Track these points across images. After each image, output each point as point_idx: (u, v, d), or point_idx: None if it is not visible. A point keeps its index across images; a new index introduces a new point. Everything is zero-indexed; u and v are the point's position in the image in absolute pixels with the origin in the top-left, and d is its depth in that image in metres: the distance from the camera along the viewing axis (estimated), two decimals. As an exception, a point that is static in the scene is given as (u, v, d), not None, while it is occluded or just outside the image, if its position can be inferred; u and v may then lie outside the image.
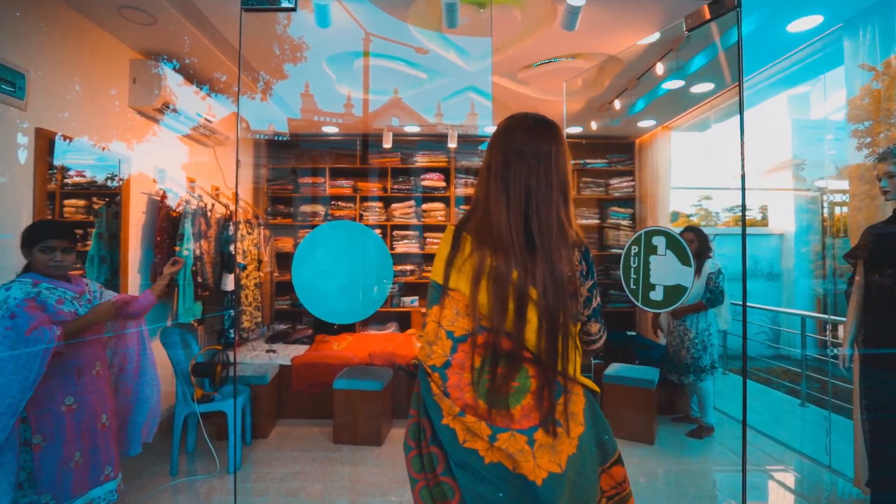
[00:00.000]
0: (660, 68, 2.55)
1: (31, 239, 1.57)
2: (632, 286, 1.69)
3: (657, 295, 1.56)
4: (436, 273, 0.93)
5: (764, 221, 6.46)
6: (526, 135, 0.93)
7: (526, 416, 0.84)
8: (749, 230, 6.36)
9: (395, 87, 3.41)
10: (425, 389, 0.88)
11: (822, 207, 5.51)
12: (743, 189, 1.23)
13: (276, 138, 4.33)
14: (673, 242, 1.51)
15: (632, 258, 1.69)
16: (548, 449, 0.82)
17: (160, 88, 2.53)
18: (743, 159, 1.21)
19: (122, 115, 2.57)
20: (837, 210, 5.45)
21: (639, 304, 1.65)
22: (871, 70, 2.26)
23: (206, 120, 3.00)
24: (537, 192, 0.90)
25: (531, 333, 0.85)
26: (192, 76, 2.83)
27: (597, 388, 0.96)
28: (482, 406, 0.83)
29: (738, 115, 3.86)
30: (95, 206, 2.66)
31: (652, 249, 1.60)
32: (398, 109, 3.85)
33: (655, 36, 2.37)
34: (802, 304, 5.79)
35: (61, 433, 1.53)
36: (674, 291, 1.51)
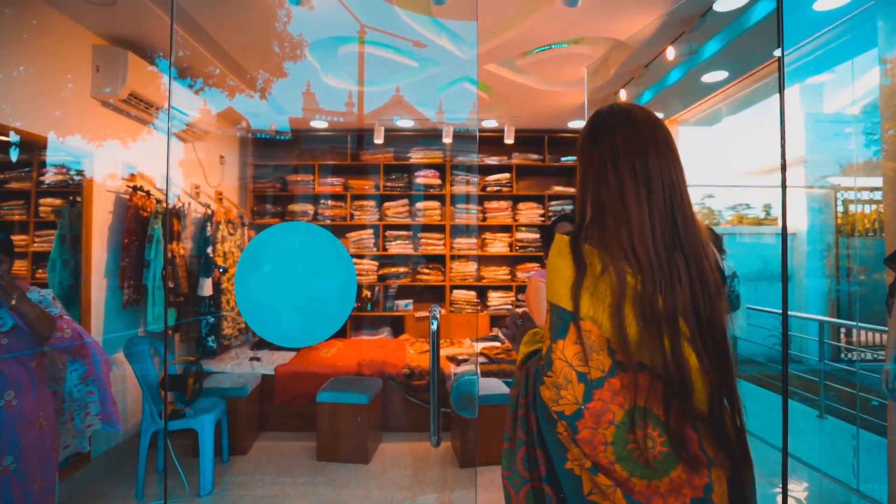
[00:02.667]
0: (671, 53, 2.32)
1: None
2: None
3: None
4: (559, 296, 0.73)
5: (769, 220, 6.24)
6: (650, 121, 0.79)
7: (674, 491, 0.66)
8: (758, 229, 6.13)
9: (385, 76, 3.20)
10: (546, 427, 0.72)
11: (836, 206, 5.29)
12: (784, 185, 1.02)
13: (267, 136, 4.13)
14: None
15: None
16: None
17: (125, 77, 2.32)
18: (783, 146, 1.00)
19: (86, 107, 2.37)
20: (853, 208, 5.23)
21: None
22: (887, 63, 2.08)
23: (179, 111, 2.79)
24: (681, 189, 0.76)
25: (693, 374, 0.68)
26: (160, 62, 2.62)
27: (750, 461, 0.72)
28: (619, 472, 0.67)
29: (752, 106, 3.61)
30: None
31: None
32: (396, 106, 3.64)
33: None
34: (814, 307, 5.56)
35: None
36: None
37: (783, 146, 1.00)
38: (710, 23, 2.17)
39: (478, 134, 4.10)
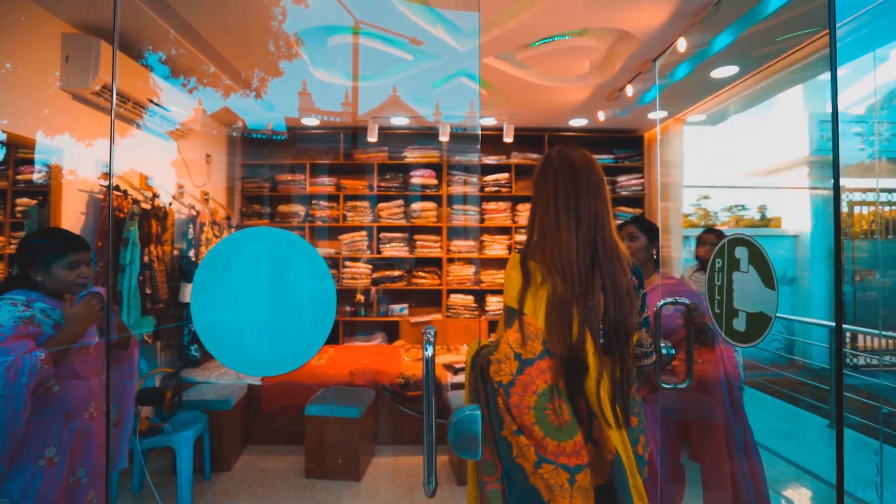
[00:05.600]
0: (682, 45, 2.18)
1: (52, 253, 1.28)
2: (716, 310, 1.30)
3: (740, 324, 1.18)
4: (510, 299, 0.99)
5: (764, 221, 6.11)
6: (587, 166, 1.03)
7: (576, 452, 0.89)
8: (759, 231, 6.01)
9: (379, 71, 3.05)
10: (492, 400, 0.95)
11: (841, 207, 5.17)
12: (837, 184, 0.88)
13: (257, 135, 3.97)
14: (755, 255, 1.13)
15: (716, 274, 1.30)
16: (583, 493, 0.88)
17: (98, 67, 2.16)
18: (836, 133, 0.86)
19: (57, 102, 2.20)
20: (858, 210, 5.11)
21: (722, 335, 1.28)
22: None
23: (161, 107, 2.63)
24: (603, 220, 1.00)
25: (590, 360, 0.91)
26: (139, 53, 2.47)
27: (613, 451, 0.92)
28: (537, 432, 0.88)
29: (758, 104, 3.46)
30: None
31: (735, 264, 1.21)
32: (392, 106, 3.49)
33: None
34: (818, 311, 5.45)
35: (33, 495, 1.20)
36: (757, 321, 1.12)
37: (835, 133, 0.86)
38: (724, 12, 2.03)
39: (479, 132, 3.95)
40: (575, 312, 0.92)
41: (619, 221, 3.95)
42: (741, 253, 1.18)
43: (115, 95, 1.81)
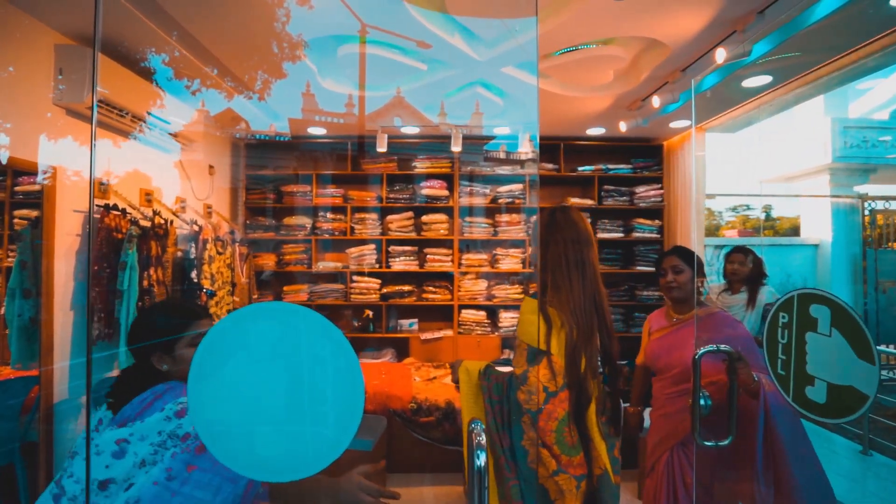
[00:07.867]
0: (720, 55, 2.03)
1: (172, 332, 0.98)
2: (779, 370, 1.08)
3: (817, 394, 0.99)
4: (534, 340, 1.16)
5: (770, 222, 5.93)
6: (584, 224, 1.28)
7: (581, 465, 1.14)
8: (778, 240, 5.84)
9: (390, 80, 2.90)
10: (515, 417, 1.16)
11: (864, 215, 5.00)
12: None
13: (263, 140, 3.83)
14: (842, 318, 0.95)
15: (779, 330, 1.08)
16: (583, 496, 1.12)
17: (94, 81, 2.03)
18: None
19: (50, 116, 2.07)
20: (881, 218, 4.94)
21: (789, 400, 1.09)
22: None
23: (161, 119, 2.49)
24: (597, 269, 1.25)
25: (593, 390, 1.16)
26: (136, 64, 2.33)
27: (602, 468, 1.15)
28: (556, 449, 1.12)
29: (787, 110, 3.30)
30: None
31: (810, 324, 1.02)
32: (398, 109, 3.35)
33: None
34: (840, 322, 5.27)
35: None
36: (845, 396, 0.93)
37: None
38: (766, 21, 1.87)
39: (538, 142, 3.79)
40: (585, 355, 1.14)
41: (640, 234, 3.81)
42: (819, 312, 1.01)
43: (95, 106, 1.67)
